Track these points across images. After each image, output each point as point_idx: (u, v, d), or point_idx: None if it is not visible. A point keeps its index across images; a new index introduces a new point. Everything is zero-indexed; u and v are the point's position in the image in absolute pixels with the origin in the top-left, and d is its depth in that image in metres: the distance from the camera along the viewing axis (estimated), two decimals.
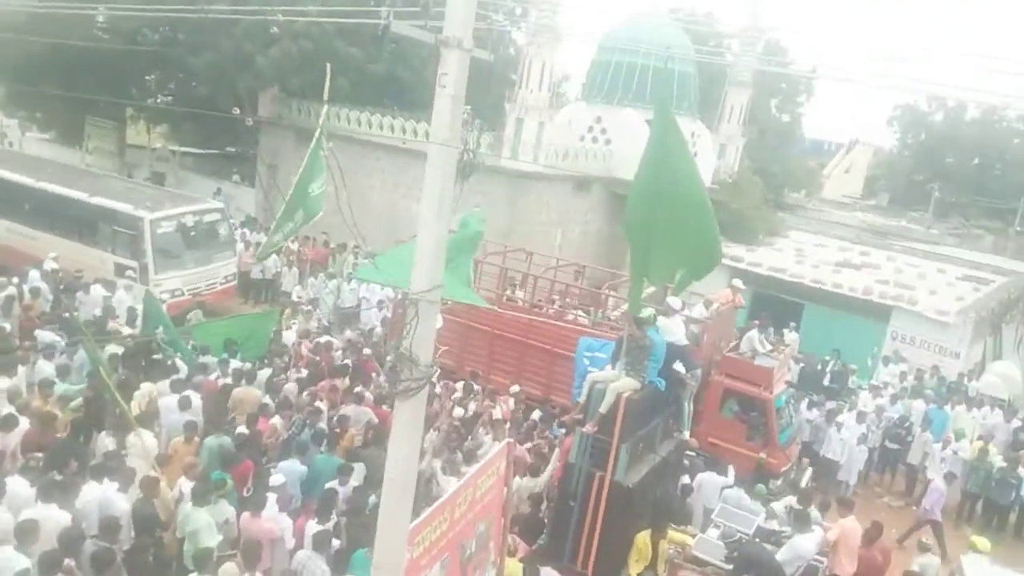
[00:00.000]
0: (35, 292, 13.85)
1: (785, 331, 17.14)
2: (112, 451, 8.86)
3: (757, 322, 14.02)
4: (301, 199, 9.85)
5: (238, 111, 14.51)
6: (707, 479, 10.70)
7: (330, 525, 8.06)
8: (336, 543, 7.97)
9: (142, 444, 8.89)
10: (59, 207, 17.58)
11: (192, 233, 17.15)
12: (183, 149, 31.89)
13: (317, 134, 9.95)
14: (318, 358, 13.26)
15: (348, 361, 13.25)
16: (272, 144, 26.38)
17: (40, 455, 8.20)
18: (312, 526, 7.99)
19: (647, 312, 9.02)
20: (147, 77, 29.24)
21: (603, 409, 8.88)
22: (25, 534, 6.64)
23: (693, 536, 8.92)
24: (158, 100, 30.30)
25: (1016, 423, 15.17)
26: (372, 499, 8.26)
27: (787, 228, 31.88)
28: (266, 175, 26.76)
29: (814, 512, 9.33)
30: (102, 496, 7.79)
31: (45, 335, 12.02)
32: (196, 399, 10.27)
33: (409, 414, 4.93)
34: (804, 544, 8.55)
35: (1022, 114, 45.68)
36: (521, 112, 21.15)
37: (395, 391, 4.88)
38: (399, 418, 4.96)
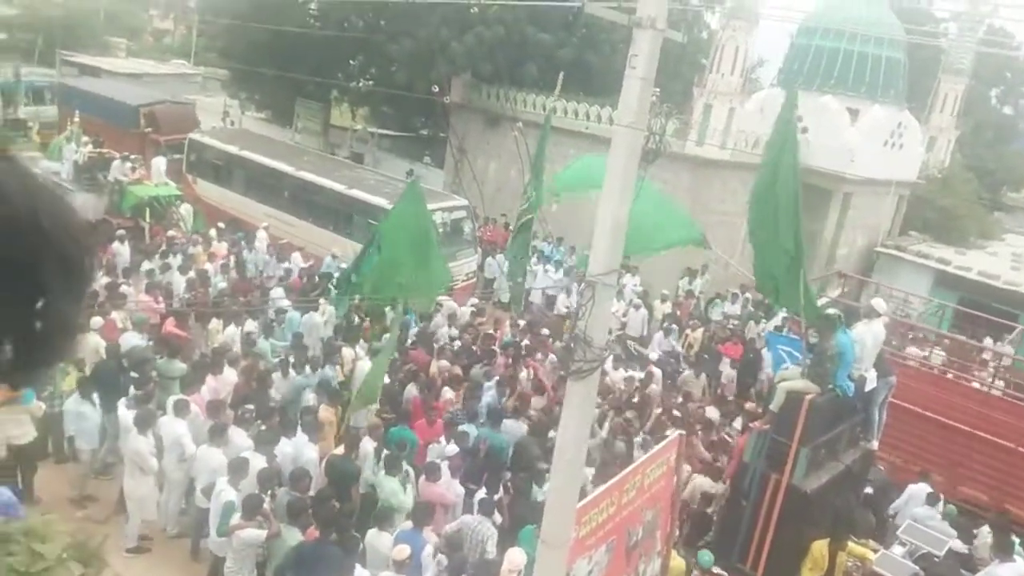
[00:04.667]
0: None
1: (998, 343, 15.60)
2: (310, 406, 9.64)
3: None
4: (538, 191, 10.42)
5: (436, 90, 14.94)
6: (916, 491, 9.98)
7: (496, 497, 8.34)
8: (498, 518, 8.23)
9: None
10: (316, 196, 18.19)
11: (440, 230, 16.81)
12: (381, 131, 33.74)
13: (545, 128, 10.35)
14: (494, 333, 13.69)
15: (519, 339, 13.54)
16: (462, 128, 27.30)
17: (251, 407, 9.02)
18: (480, 494, 8.30)
19: (831, 313, 8.53)
20: (351, 62, 31.18)
21: (773, 407, 8.56)
22: (237, 469, 7.40)
23: (875, 551, 8.35)
24: (360, 84, 32.24)
25: None
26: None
27: (1004, 231, 28.93)
28: (455, 157, 27.76)
29: (1016, 539, 8.45)
30: (296, 448, 8.51)
31: (277, 292, 13.35)
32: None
33: (580, 395, 4.98)
34: (1005, 572, 7.77)
35: None
36: (710, 97, 20.49)
37: (568, 372, 4.94)
38: (570, 399, 5.02)
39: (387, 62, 27.11)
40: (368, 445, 8.98)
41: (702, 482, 9.61)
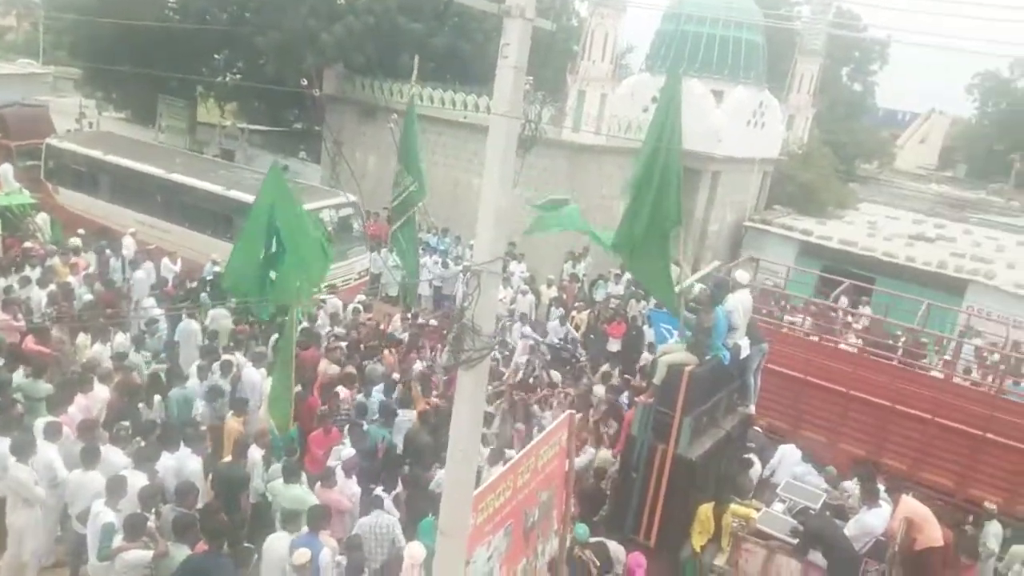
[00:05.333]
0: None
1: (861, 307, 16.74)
2: (190, 419, 9.27)
3: None
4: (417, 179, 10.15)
5: (306, 82, 14.48)
6: (788, 451, 10.58)
7: (394, 492, 8.31)
8: (397, 514, 8.21)
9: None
10: (192, 200, 17.36)
11: (328, 228, 16.27)
12: (251, 127, 32.58)
13: (409, 115, 10.11)
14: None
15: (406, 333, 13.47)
16: (337, 120, 26.73)
17: (127, 424, 8.57)
18: (379, 492, 8.24)
19: (697, 288, 8.96)
20: (216, 56, 29.92)
21: (656, 381, 8.91)
22: (114, 489, 7.02)
23: (758, 510, 8.82)
24: (227, 78, 30.99)
25: None
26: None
27: (859, 200, 31.02)
28: (331, 151, 27.18)
29: (880, 486, 9.13)
30: (178, 462, 8.16)
31: (148, 301, 12.82)
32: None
33: (471, 384, 5.01)
34: (872, 520, 8.38)
35: None
36: (583, 84, 20.91)
37: (458, 361, 4.96)
38: (462, 388, 5.04)
39: (255, 55, 26.22)
40: (256, 453, 8.73)
41: (605, 454, 9.91)
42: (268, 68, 25.60)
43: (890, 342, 16.33)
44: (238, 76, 30.57)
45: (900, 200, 34.57)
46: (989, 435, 11.08)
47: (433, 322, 14.40)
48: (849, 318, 19.01)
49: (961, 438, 11.31)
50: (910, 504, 8.79)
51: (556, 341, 15.32)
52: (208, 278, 14.85)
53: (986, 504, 10.22)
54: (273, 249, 8.64)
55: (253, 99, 29.93)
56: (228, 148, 30.22)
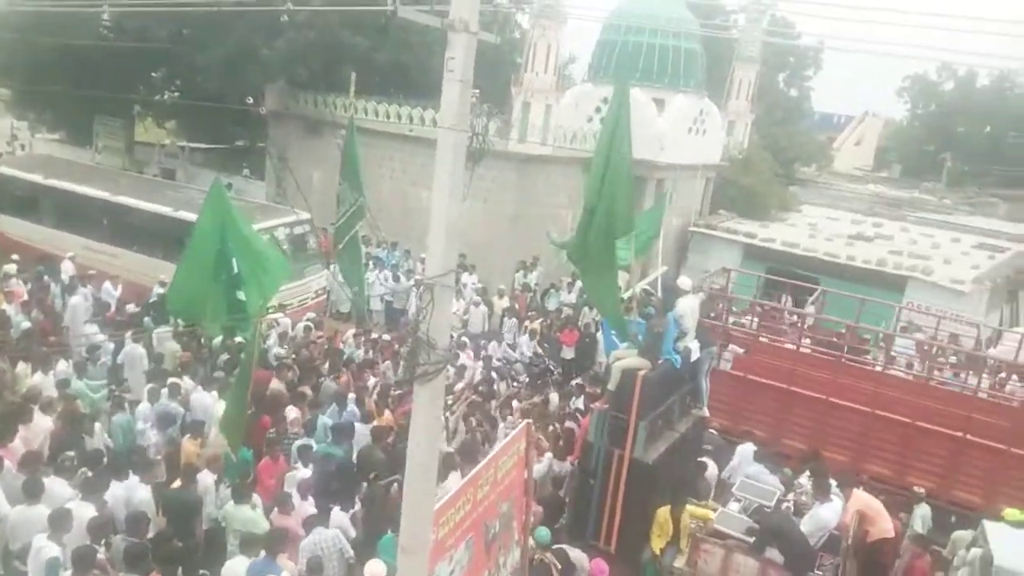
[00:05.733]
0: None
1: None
2: (138, 446, 9.04)
3: None
4: (357, 197, 10.03)
5: (251, 100, 14.20)
6: (746, 451, 10.76)
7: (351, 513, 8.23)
8: (353, 533, 8.13)
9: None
10: (140, 222, 16.77)
11: (284, 247, 15.93)
12: (192, 145, 31.99)
13: (349, 131, 9.97)
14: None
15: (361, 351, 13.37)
16: (281, 136, 26.45)
17: (71, 454, 8.31)
18: (337, 512, 8.14)
19: (648, 291, 9.14)
20: (154, 74, 29.30)
21: (611, 387, 9.01)
22: (58, 522, 6.79)
23: (715, 511, 8.95)
24: (165, 96, 30.37)
25: None
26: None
27: (799, 203, 31.79)
28: (275, 167, 26.84)
29: (832, 481, 9.34)
30: (127, 491, 7.95)
31: (90, 328, 12.48)
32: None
33: (428, 398, 4.99)
34: (825, 514, 8.59)
35: None
36: (528, 95, 21.06)
37: (414, 376, 4.94)
38: (419, 402, 5.02)
39: (194, 72, 25.72)
40: (207, 477, 8.56)
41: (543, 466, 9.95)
42: (209, 85, 25.16)
43: (835, 339, 16.78)
44: (177, 94, 29.98)
45: (839, 201, 35.54)
46: (921, 424, 11.47)
47: (386, 337, 14.32)
48: (795, 318, 19.48)
49: (897, 428, 11.68)
50: (861, 497, 9.03)
51: (525, 356, 15.38)
52: (152, 300, 14.50)
53: (915, 489, 10.57)
54: (236, 270, 8.44)
55: (193, 117, 29.39)
56: (168, 167, 29.62)
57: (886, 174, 54.80)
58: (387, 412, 10.87)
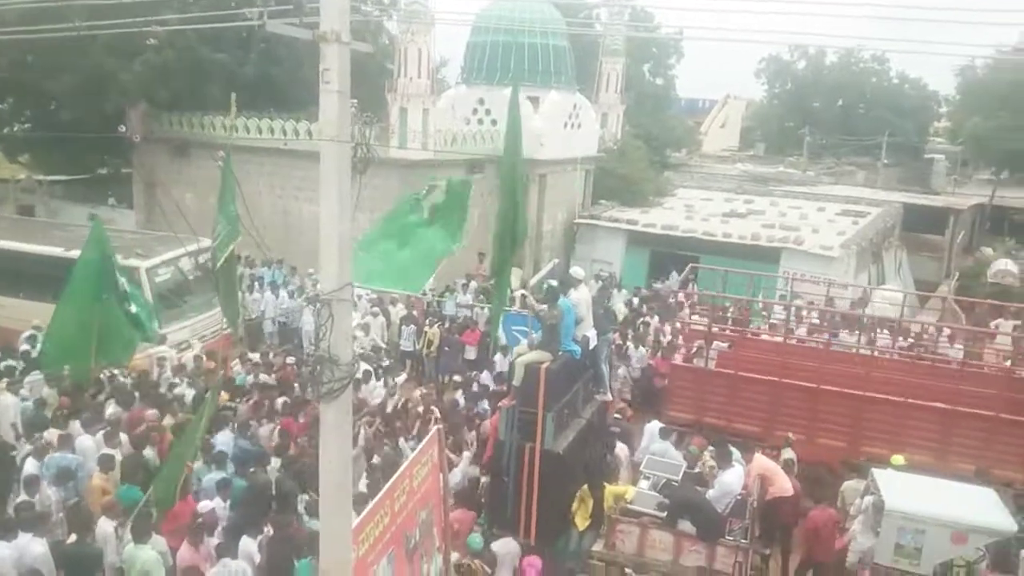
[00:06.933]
0: None
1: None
2: (23, 500, 8.46)
3: None
4: (229, 219, 9.64)
5: (123, 128, 13.34)
6: (653, 429, 11.04)
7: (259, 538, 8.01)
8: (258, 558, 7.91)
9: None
10: (26, 266, 15.36)
11: (190, 277, 15.26)
12: (51, 177, 30.07)
13: (226, 155, 9.62)
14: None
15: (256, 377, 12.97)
16: (147, 161, 25.20)
17: None
18: (245, 540, 7.90)
19: (551, 284, 9.32)
20: (0, 105, 27.38)
21: (516, 383, 9.13)
22: None
23: (631, 490, 9.20)
24: (14, 129, 28.38)
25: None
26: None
27: (674, 187, 33.00)
28: (144, 194, 25.62)
29: (733, 449, 9.77)
30: (19, 551, 7.44)
31: None
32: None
33: (335, 416, 4.92)
34: (730, 480, 8.98)
35: (875, 54, 48.58)
36: (403, 101, 20.95)
37: (319, 394, 4.86)
38: (326, 421, 4.94)
39: (46, 100, 24.21)
40: (107, 525, 8.11)
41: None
42: (63, 113, 23.77)
43: (720, 314, 17.55)
44: (27, 125, 28.08)
45: (711, 182, 37.10)
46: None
47: (291, 360, 13.96)
48: (681, 297, 20.25)
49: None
50: (761, 461, 9.51)
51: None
52: (23, 348, 13.54)
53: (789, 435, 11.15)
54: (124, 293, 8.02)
55: (49, 148, 27.58)
56: (26, 203, 27.78)
57: (752, 152, 57.61)
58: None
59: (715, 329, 14.14)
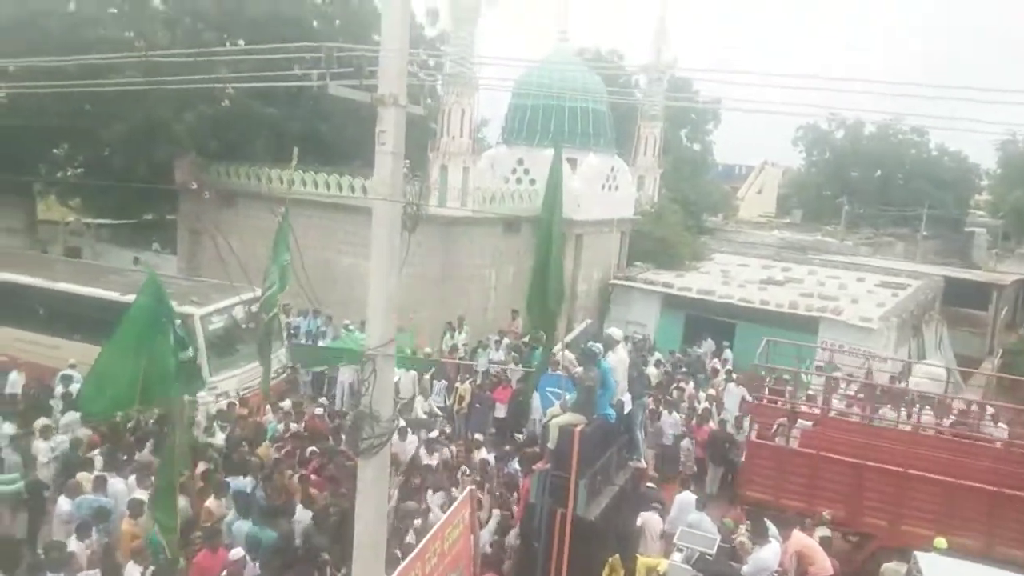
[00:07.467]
0: None
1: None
2: (53, 541, 8.50)
3: None
4: (281, 269, 9.87)
5: (195, 186, 13.61)
6: (684, 500, 10.77)
7: None
8: None
9: None
10: (83, 310, 15.48)
11: (243, 326, 15.21)
12: (98, 221, 30.94)
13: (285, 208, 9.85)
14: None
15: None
16: (193, 209, 25.83)
17: None
18: None
19: (591, 346, 9.24)
20: (55, 150, 28.35)
21: (550, 445, 9.01)
22: None
23: (663, 562, 8.97)
24: (68, 173, 29.37)
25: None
26: None
27: (710, 252, 32.87)
28: (188, 240, 26.19)
29: (769, 524, 9.52)
30: None
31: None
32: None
33: (373, 472, 4.91)
34: (766, 556, 8.72)
35: (914, 126, 48.56)
36: (445, 159, 21.32)
37: (358, 450, 4.86)
38: (364, 477, 4.93)
39: (99, 147, 25.04)
40: (134, 571, 8.11)
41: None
42: (115, 160, 24.52)
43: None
44: (80, 170, 29.03)
45: (747, 248, 36.91)
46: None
47: (319, 411, 13.99)
48: (717, 363, 20.02)
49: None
50: (800, 538, 9.22)
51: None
52: (60, 389, 13.74)
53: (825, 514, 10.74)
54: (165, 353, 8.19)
55: (99, 192, 28.46)
56: (73, 245, 28.56)
57: (788, 220, 57.40)
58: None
59: (798, 407, 13.60)
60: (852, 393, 16.68)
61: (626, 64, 36.46)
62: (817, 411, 14.12)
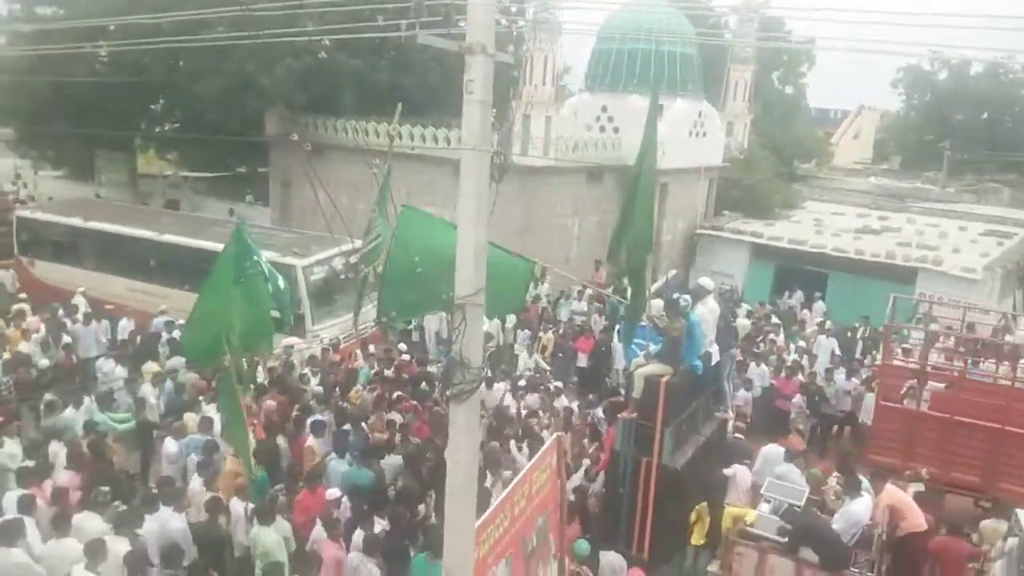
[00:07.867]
0: None
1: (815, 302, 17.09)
2: (164, 476, 9.07)
3: None
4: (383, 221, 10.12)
5: (296, 137, 13.90)
6: (771, 452, 10.63)
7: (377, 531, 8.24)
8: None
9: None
10: (189, 261, 15.88)
11: (341, 276, 15.31)
12: (194, 174, 32.15)
13: (387, 167, 10.03)
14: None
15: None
16: (284, 161, 26.55)
17: (106, 489, 8.33)
18: (360, 533, 8.15)
19: (678, 299, 9.17)
20: (152, 106, 29.50)
21: (635, 395, 9.03)
22: (94, 553, 6.81)
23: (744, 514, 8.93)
24: (165, 128, 30.55)
25: None
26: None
27: (802, 199, 31.78)
28: (280, 192, 26.95)
29: (862, 478, 9.32)
30: (160, 524, 7.96)
31: (107, 364, 12.55)
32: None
33: (464, 417, 5.01)
34: (857, 509, 8.57)
35: None
36: (527, 108, 21.10)
37: (449, 395, 4.97)
38: (455, 422, 5.04)
39: (193, 102, 25.90)
40: (238, 506, 8.58)
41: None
42: (208, 115, 25.31)
43: (849, 335, 16.73)
44: (177, 125, 30.14)
45: (842, 196, 35.46)
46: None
47: (406, 356, 14.36)
48: (807, 314, 19.49)
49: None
50: (892, 492, 8.99)
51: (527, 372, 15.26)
52: (162, 334, 14.52)
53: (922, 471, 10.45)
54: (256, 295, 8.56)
55: (194, 146, 29.56)
56: (172, 198, 29.81)
57: (886, 166, 54.72)
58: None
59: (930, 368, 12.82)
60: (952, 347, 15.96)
61: (715, 4, 35.07)
62: (950, 374, 13.28)
